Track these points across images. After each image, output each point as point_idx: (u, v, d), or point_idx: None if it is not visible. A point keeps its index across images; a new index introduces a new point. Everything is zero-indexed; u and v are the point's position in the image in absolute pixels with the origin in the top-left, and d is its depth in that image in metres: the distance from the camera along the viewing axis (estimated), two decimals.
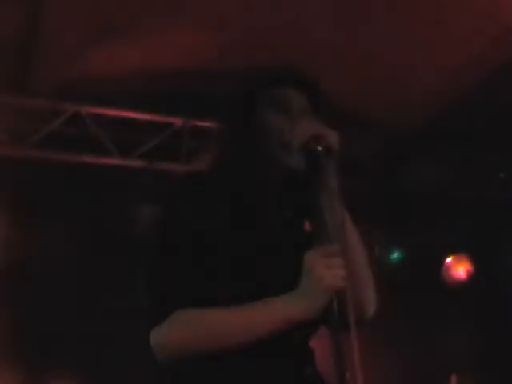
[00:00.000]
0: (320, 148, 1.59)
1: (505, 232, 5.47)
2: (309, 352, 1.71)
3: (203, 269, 1.59)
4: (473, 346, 5.55)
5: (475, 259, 5.58)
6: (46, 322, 4.59)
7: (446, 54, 4.35)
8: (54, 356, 4.59)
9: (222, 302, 1.56)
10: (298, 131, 1.66)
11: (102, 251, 4.80)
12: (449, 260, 5.63)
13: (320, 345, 1.63)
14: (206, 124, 4.68)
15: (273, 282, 1.62)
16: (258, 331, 1.54)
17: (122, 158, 4.84)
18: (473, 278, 5.57)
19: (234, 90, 1.88)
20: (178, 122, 4.90)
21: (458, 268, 5.59)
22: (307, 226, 1.63)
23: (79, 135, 4.83)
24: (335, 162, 1.60)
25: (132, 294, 1.78)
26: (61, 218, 4.76)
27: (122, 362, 4.62)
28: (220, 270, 1.60)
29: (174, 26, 4.20)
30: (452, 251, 5.62)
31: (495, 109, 4.70)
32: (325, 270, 1.50)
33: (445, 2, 3.91)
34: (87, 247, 4.80)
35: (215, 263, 1.60)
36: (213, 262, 1.60)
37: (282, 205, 1.77)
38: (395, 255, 5.61)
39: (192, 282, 1.58)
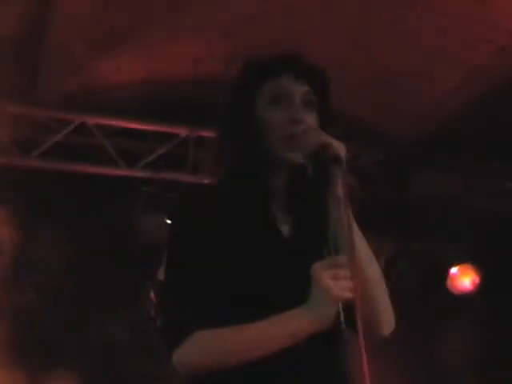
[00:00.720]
0: (328, 157, 1.58)
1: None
2: (314, 364, 1.67)
3: (217, 285, 1.60)
4: (480, 356, 5.52)
5: (481, 269, 5.54)
6: (47, 324, 4.60)
7: (451, 63, 4.35)
8: (55, 358, 4.60)
9: (234, 317, 1.57)
10: (306, 140, 1.64)
11: (105, 260, 4.81)
12: (454, 270, 5.58)
13: None
14: (212, 134, 4.66)
15: (282, 294, 1.61)
16: (273, 347, 1.56)
17: (127, 168, 4.85)
18: (479, 288, 5.53)
19: (232, 90, 1.80)
20: (183, 131, 4.90)
21: (464, 278, 5.54)
22: (315, 237, 1.62)
23: (85, 145, 4.84)
24: (342, 173, 1.59)
25: (132, 298, 1.80)
26: (65, 226, 4.77)
27: (123, 362, 4.62)
28: (231, 284, 1.61)
29: (179, 35, 4.22)
30: (458, 261, 5.58)
31: (505, 117, 4.68)
32: (331, 281, 1.50)
33: (450, 11, 3.91)
34: (91, 256, 4.81)
35: (227, 278, 1.61)
36: (225, 276, 1.61)
37: (288, 214, 1.76)
38: (402, 265, 5.58)
39: (206, 299, 1.60)
